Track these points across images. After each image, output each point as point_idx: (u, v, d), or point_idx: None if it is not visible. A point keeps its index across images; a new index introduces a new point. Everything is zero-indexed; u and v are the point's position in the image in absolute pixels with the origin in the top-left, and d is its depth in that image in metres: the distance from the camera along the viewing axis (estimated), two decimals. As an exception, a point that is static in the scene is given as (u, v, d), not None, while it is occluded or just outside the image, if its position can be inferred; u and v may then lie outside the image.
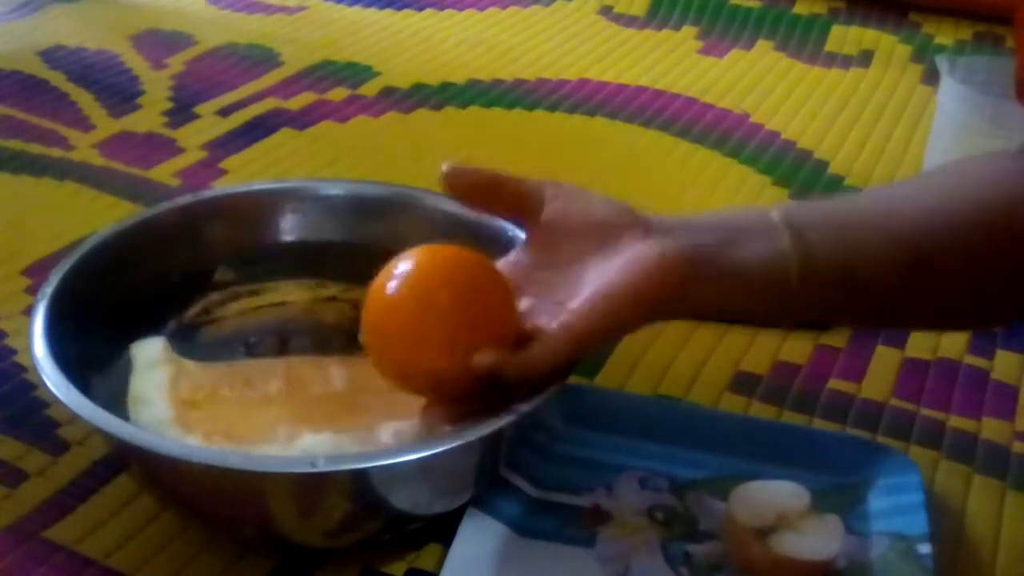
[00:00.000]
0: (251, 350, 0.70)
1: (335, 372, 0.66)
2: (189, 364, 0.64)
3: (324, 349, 0.69)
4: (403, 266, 0.56)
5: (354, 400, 0.65)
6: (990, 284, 0.56)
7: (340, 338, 0.69)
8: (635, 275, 0.52)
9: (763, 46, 1.32)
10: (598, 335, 0.53)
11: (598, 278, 0.53)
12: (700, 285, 0.53)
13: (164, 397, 0.62)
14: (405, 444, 0.58)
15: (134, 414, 0.61)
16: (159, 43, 1.26)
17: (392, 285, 0.56)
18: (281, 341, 0.71)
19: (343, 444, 0.59)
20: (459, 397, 0.57)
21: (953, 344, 0.79)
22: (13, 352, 0.75)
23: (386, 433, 0.60)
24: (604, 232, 0.53)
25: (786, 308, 0.54)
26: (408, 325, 0.55)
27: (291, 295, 0.74)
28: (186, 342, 0.69)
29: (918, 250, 0.54)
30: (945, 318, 0.61)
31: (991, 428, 0.72)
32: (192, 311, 0.71)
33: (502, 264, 0.59)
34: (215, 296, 0.72)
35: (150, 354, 0.65)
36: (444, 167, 0.56)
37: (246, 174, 0.98)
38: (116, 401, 0.62)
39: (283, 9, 1.38)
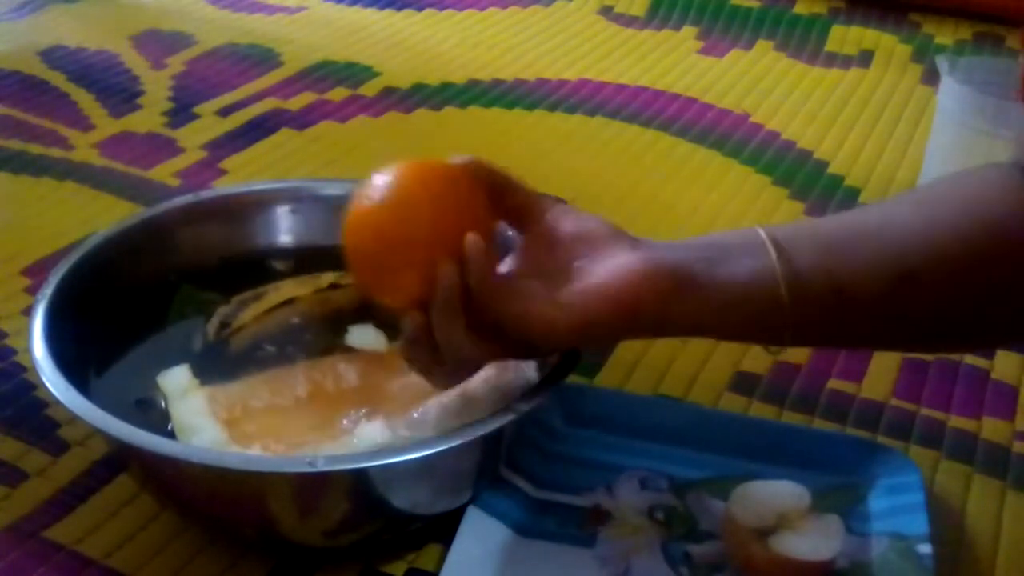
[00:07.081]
0: (284, 350, 0.70)
1: (346, 368, 0.66)
2: (211, 388, 0.65)
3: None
4: (384, 177, 0.55)
5: (379, 389, 0.65)
6: (979, 302, 0.55)
7: (356, 319, 0.70)
8: (619, 280, 0.52)
9: (763, 46, 1.32)
10: (576, 332, 0.53)
11: (584, 280, 0.53)
12: (682, 299, 0.53)
13: (210, 421, 0.62)
14: (412, 441, 0.58)
15: (186, 442, 0.61)
16: (159, 43, 1.26)
17: (373, 195, 0.54)
18: (309, 334, 0.71)
19: (396, 429, 0.60)
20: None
21: (953, 344, 0.79)
22: (13, 352, 0.75)
23: (433, 409, 0.61)
24: (594, 242, 0.54)
25: (778, 325, 0.54)
26: (391, 230, 0.54)
27: (295, 291, 0.74)
28: (219, 359, 0.69)
29: (905, 265, 0.54)
30: (937, 338, 0.60)
31: (991, 428, 0.72)
32: (212, 328, 0.71)
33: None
34: (224, 308, 0.72)
35: (179, 382, 0.65)
36: (466, 158, 0.56)
37: (246, 174, 0.98)
38: (116, 401, 0.61)
39: (283, 9, 1.38)
